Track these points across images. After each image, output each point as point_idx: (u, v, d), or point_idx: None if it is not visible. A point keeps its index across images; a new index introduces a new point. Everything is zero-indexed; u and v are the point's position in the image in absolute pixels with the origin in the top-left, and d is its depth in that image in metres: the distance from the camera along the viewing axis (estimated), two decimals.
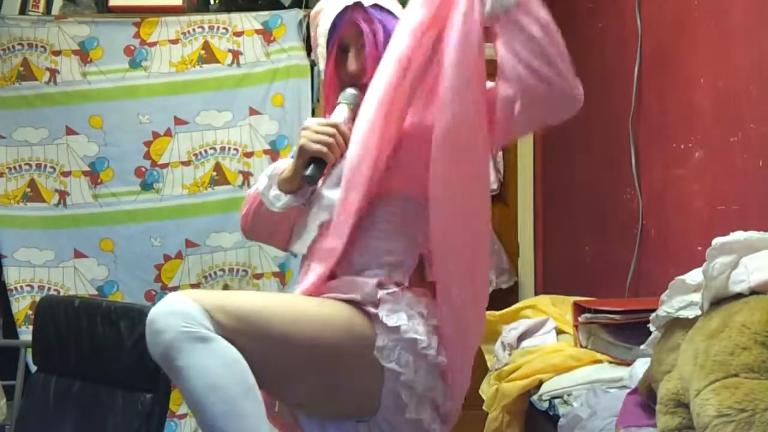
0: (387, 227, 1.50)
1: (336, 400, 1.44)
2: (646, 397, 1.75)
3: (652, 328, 1.80)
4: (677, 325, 1.65)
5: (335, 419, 1.48)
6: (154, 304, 3.48)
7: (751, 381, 1.33)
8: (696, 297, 1.61)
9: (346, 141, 1.50)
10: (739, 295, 1.47)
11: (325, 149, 1.49)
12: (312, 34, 1.69)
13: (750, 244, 1.49)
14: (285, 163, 1.60)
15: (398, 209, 1.50)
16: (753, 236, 1.50)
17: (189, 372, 1.27)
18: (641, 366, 1.92)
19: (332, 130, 1.51)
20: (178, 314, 1.28)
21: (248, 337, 1.32)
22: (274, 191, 1.57)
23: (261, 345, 1.33)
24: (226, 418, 1.27)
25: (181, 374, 1.27)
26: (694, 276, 1.64)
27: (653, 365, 1.70)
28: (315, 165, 1.50)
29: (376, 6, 1.58)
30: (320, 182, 1.55)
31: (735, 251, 1.49)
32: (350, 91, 1.58)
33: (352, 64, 1.58)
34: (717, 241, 1.50)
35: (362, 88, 1.55)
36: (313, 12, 1.69)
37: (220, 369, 1.27)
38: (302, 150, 1.51)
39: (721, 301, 1.50)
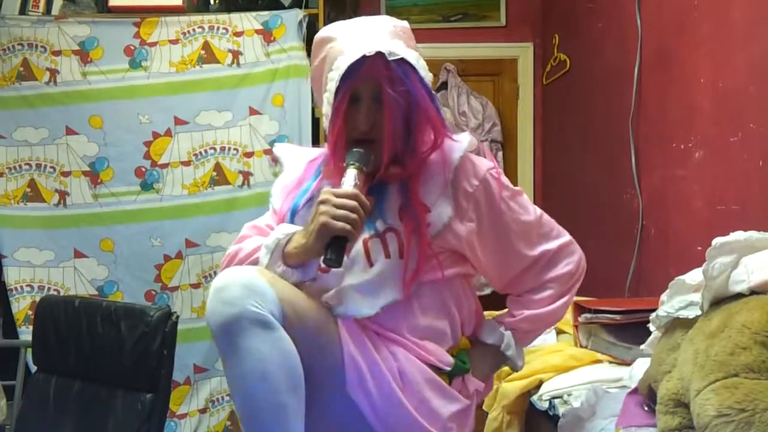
0: None
1: None
2: (646, 397, 1.75)
3: (652, 328, 1.80)
4: (677, 325, 1.65)
5: None
6: (154, 304, 3.50)
7: (751, 381, 1.33)
8: (696, 297, 1.61)
9: (367, 213, 1.39)
10: (739, 295, 1.47)
11: (349, 227, 1.35)
12: (314, 72, 1.57)
13: (750, 244, 1.49)
14: (286, 232, 1.45)
15: None
16: (753, 236, 1.50)
17: (247, 354, 1.25)
18: (641, 366, 1.92)
19: (355, 204, 1.36)
20: (252, 292, 1.27)
21: (300, 337, 1.32)
22: (281, 267, 1.42)
23: (308, 349, 1.33)
24: (270, 409, 1.26)
25: (238, 354, 1.26)
26: (694, 276, 1.64)
27: (653, 365, 1.70)
28: (337, 245, 1.36)
29: (399, 60, 1.43)
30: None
31: (735, 251, 1.49)
32: (359, 151, 1.45)
33: (363, 120, 1.46)
34: (717, 240, 1.50)
35: (371, 147, 1.46)
36: (318, 38, 1.56)
37: (276, 358, 1.26)
38: (326, 229, 1.35)
39: (721, 301, 1.50)
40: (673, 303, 1.66)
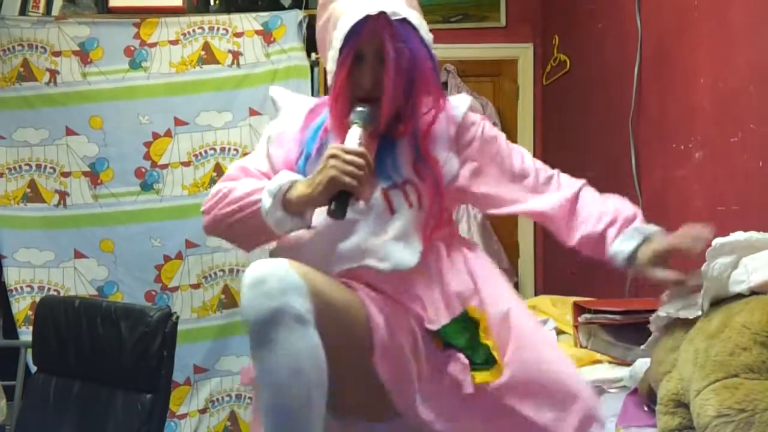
0: None
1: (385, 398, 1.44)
2: (646, 397, 1.75)
3: (652, 328, 1.80)
4: (677, 325, 1.65)
5: (382, 419, 1.49)
6: (154, 304, 3.50)
7: (751, 381, 1.33)
8: (696, 297, 1.61)
9: (372, 172, 1.43)
10: (739, 295, 1.47)
11: (356, 183, 1.38)
12: (320, 32, 1.60)
13: (750, 245, 1.49)
14: (290, 178, 1.46)
15: None
16: (753, 236, 1.50)
17: (281, 349, 1.26)
18: (641, 366, 1.92)
19: (363, 162, 1.40)
20: (291, 287, 1.27)
21: (327, 333, 1.31)
22: (280, 212, 1.43)
23: (334, 344, 1.32)
24: (300, 404, 1.27)
25: (272, 348, 1.26)
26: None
27: (653, 365, 1.70)
28: (342, 199, 1.40)
29: (401, 20, 1.47)
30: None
31: (735, 251, 1.49)
32: (362, 109, 1.48)
33: (366, 78, 1.49)
34: (717, 241, 1.49)
35: (374, 106, 1.49)
36: (322, 2, 1.58)
37: (307, 353, 1.27)
38: (334, 182, 1.38)
39: (721, 301, 1.50)
40: (674, 303, 1.66)
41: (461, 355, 1.48)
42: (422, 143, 1.57)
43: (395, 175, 1.53)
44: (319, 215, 1.47)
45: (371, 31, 1.46)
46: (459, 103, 1.65)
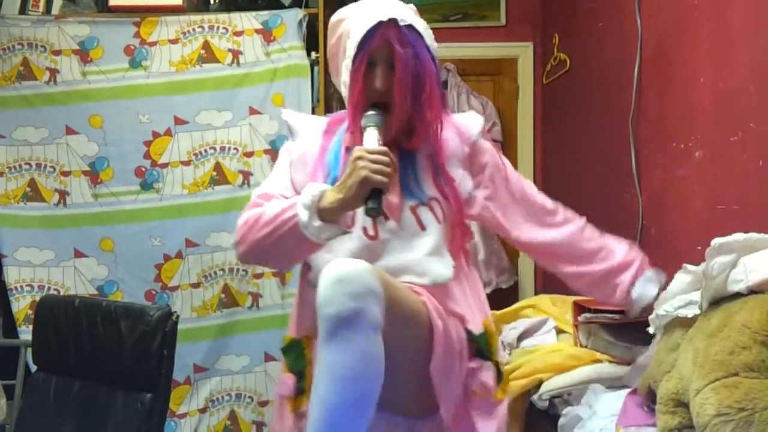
0: None
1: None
2: (646, 397, 1.75)
3: (651, 328, 1.80)
4: (676, 324, 1.66)
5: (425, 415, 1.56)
6: (154, 303, 3.50)
7: (751, 380, 1.33)
8: (695, 296, 1.61)
9: (396, 169, 1.49)
10: (738, 295, 1.47)
11: (386, 180, 1.45)
12: (332, 48, 1.67)
13: (749, 245, 1.49)
14: (317, 189, 1.49)
15: None
16: (752, 237, 1.50)
17: (352, 349, 1.30)
18: (641, 365, 1.92)
19: (388, 159, 1.46)
20: (372, 293, 1.32)
21: (391, 338, 1.36)
22: (317, 222, 1.46)
23: (395, 349, 1.38)
24: (354, 401, 1.31)
25: (342, 344, 1.30)
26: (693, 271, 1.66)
27: (653, 365, 1.70)
28: (375, 196, 1.46)
29: (409, 27, 1.56)
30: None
31: (734, 251, 1.49)
32: (372, 112, 1.56)
33: (378, 82, 1.57)
34: (716, 241, 1.50)
35: (386, 109, 1.57)
36: (334, 19, 1.66)
37: (371, 359, 1.32)
38: (366, 182, 1.44)
39: (720, 300, 1.51)
40: (673, 302, 1.66)
41: (492, 364, 1.60)
42: (439, 161, 1.65)
43: (420, 193, 1.61)
44: (348, 241, 1.55)
45: (382, 38, 1.55)
46: (471, 122, 1.72)
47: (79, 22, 3.32)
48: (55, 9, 3.41)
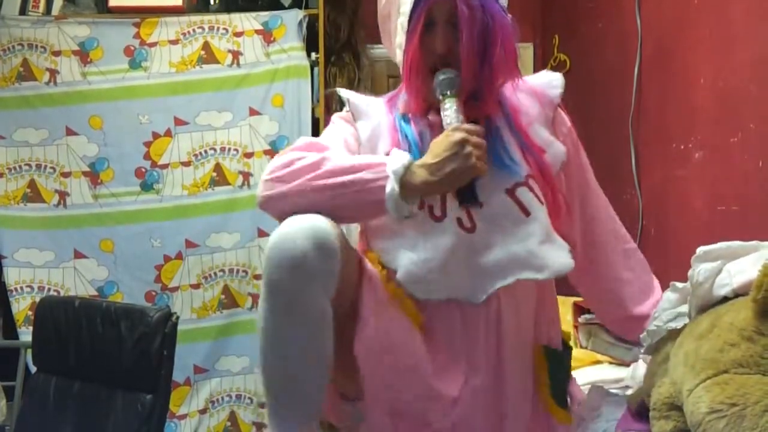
0: None
1: None
2: (635, 411, 1.76)
3: (642, 348, 1.80)
4: (667, 338, 1.67)
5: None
6: (154, 304, 3.49)
7: (741, 376, 1.34)
8: (683, 308, 1.63)
9: (485, 151, 1.30)
10: (725, 299, 1.49)
11: (486, 167, 1.28)
12: (383, 10, 1.48)
13: (733, 252, 1.51)
14: (407, 159, 1.28)
15: None
16: (735, 245, 1.52)
17: (300, 310, 1.19)
18: (642, 366, 1.91)
19: (485, 142, 1.29)
20: (330, 255, 1.18)
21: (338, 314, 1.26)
22: (400, 197, 1.26)
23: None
24: (303, 369, 1.23)
25: (292, 308, 1.19)
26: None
27: (646, 378, 1.71)
28: (470, 183, 1.30)
29: None
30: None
31: (719, 258, 1.51)
32: (447, 75, 1.35)
33: (439, 44, 1.36)
34: (701, 249, 1.52)
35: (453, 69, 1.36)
36: None
37: (322, 326, 1.22)
38: (473, 171, 1.26)
39: (707, 307, 1.52)
40: (663, 316, 1.67)
41: None
42: (519, 128, 1.42)
43: (514, 172, 1.38)
44: (441, 236, 1.33)
45: None
46: (551, 80, 1.52)
47: (79, 23, 3.32)
48: (55, 10, 3.40)
